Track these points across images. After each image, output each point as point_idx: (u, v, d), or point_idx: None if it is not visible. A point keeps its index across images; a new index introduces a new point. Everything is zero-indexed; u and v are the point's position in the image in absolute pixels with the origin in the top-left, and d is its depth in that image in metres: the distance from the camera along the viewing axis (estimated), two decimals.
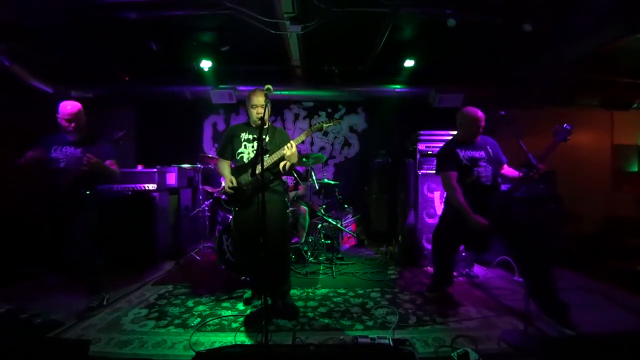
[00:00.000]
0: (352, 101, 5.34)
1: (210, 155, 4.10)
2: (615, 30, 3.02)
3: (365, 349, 1.80)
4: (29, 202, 2.67)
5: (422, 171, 3.79)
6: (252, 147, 2.49)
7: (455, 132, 3.82)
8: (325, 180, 4.31)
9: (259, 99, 2.39)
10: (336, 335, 2.20)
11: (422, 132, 3.90)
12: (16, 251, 3.15)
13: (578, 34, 3.31)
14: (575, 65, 4.02)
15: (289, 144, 2.32)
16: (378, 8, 3.03)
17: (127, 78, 4.71)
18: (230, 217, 3.49)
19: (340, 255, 3.99)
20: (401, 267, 3.68)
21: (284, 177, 2.80)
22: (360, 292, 2.97)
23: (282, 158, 2.39)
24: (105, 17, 3.15)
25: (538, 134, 2.71)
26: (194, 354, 1.79)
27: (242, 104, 5.18)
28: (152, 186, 3.74)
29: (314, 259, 3.85)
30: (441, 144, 3.77)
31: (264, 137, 2.39)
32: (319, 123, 2.47)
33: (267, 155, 2.36)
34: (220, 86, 4.69)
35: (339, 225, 4.11)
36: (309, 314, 2.52)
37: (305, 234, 3.86)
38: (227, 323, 2.38)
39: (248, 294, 2.77)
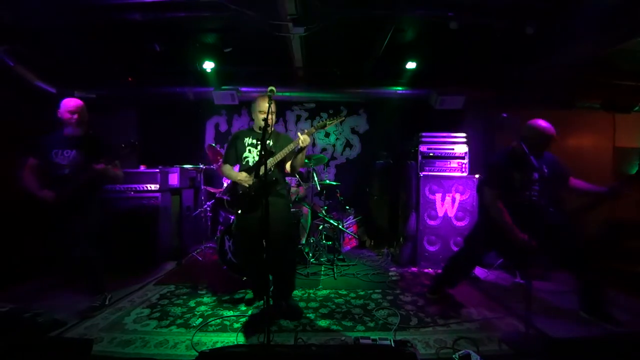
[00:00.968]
0: (354, 102, 5.36)
1: (213, 144, 4.00)
2: (618, 33, 3.03)
3: (367, 350, 1.80)
4: (32, 204, 2.67)
5: (424, 173, 3.80)
6: (257, 151, 2.48)
7: (457, 134, 3.88)
8: (327, 182, 4.33)
9: (266, 105, 2.36)
10: (338, 336, 2.21)
11: (423, 133, 3.92)
12: (20, 251, 3.17)
13: (579, 36, 3.32)
14: (576, 68, 4.03)
15: (299, 134, 2.30)
16: (380, 10, 3.05)
17: (130, 79, 4.73)
18: (232, 217, 3.51)
19: (341, 257, 4.00)
20: (402, 269, 3.69)
21: (287, 179, 2.81)
22: (362, 293, 2.98)
23: (290, 155, 2.39)
24: (109, 18, 3.18)
25: None
26: (196, 354, 1.81)
27: (244, 105, 5.21)
28: (154, 186, 3.76)
29: (315, 260, 3.85)
30: (442, 146, 3.86)
31: (268, 141, 2.41)
32: (322, 121, 2.42)
33: (272, 157, 2.36)
34: (223, 87, 4.70)
35: (340, 226, 4.12)
36: (311, 314, 2.53)
37: (306, 235, 3.87)
38: (229, 323, 2.39)
39: (249, 294, 2.78)
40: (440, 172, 3.83)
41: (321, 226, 4.09)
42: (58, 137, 2.57)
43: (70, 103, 2.53)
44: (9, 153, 2.69)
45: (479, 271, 3.48)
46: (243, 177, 2.41)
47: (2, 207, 3.34)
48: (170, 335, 2.21)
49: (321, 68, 4.61)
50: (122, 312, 2.56)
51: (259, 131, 2.47)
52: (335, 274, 3.46)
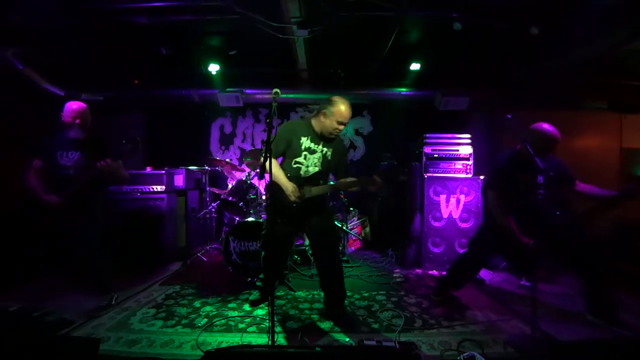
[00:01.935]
0: (358, 104, 5.35)
1: (217, 158, 4.14)
2: (624, 32, 3.00)
3: (371, 352, 1.79)
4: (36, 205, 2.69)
5: (428, 174, 3.79)
6: (313, 160, 2.30)
7: (461, 135, 3.87)
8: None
9: (349, 115, 2.22)
10: (342, 337, 2.21)
11: (428, 135, 3.91)
12: (28, 252, 3.20)
13: (585, 36, 3.29)
14: (583, 68, 4.00)
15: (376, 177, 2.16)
16: (384, 12, 3.05)
17: (136, 81, 4.79)
18: (237, 219, 3.53)
19: (345, 258, 4.00)
20: (407, 270, 3.68)
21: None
22: (366, 294, 2.97)
23: (350, 184, 2.30)
24: (116, 21, 3.22)
25: None
26: (201, 353, 1.82)
27: (249, 107, 5.25)
28: (160, 188, 3.79)
29: None
30: (446, 147, 3.84)
31: (324, 148, 2.32)
32: None
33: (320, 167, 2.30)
34: (228, 89, 4.74)
35: (344, 227, 4.11)
36: (315, 316, 2.53)
37: None
38: (234, 324, 2.40)
39: (254, 295, 2.79)
40: (444, 173, 3.82)
41: None
42: (62, 139, 2.60)
43: (72, 106, 2.57)
44: (18, 155, 2.72)
45: (484, 273, 3.45)
46: (291, 190, 2.18)
47: (7, 207, 3.38)
48: (175, 335, 2.23)
49: (325, 69, 4.62)
50: (128, 312, 2.59)
51: (319, 133, 2.31)
52: None
